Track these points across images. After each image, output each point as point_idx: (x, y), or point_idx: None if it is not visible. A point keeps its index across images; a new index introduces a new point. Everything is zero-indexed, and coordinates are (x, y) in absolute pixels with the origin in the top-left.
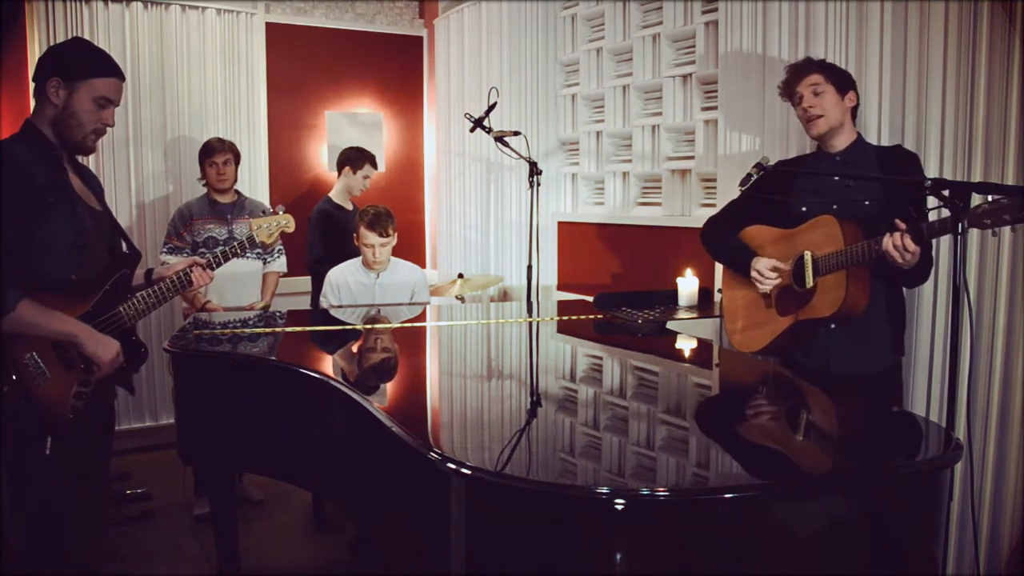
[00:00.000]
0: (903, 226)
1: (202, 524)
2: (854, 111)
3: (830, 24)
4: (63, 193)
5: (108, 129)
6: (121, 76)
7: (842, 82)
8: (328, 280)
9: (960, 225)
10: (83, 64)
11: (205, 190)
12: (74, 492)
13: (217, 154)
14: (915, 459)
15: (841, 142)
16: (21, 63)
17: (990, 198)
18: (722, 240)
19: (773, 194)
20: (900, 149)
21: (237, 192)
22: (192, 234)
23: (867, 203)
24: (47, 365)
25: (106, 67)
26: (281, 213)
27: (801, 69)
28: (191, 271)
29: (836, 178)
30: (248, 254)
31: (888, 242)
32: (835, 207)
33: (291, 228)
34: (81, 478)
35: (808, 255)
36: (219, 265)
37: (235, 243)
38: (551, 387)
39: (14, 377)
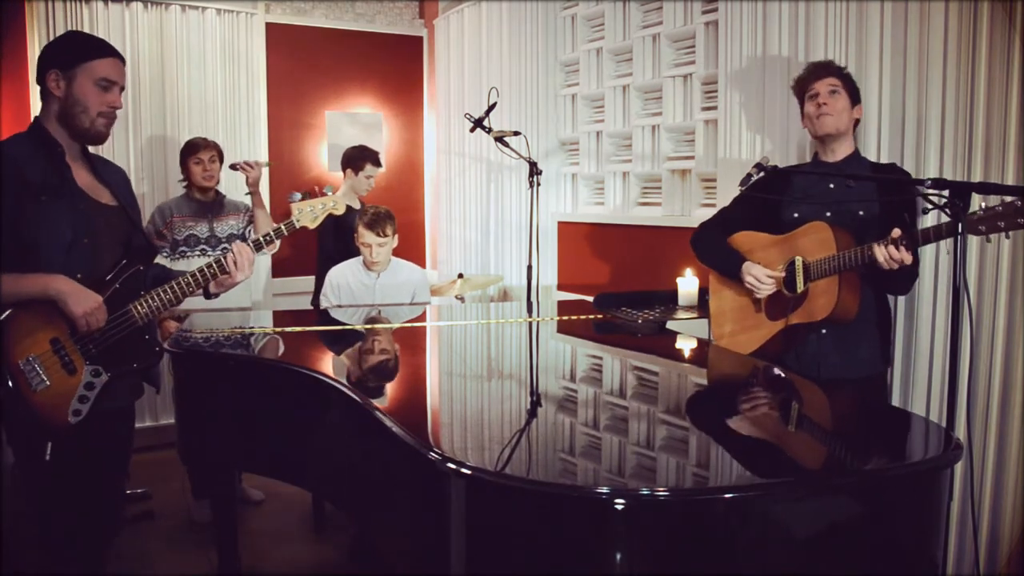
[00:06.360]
0: (897, 234)
1: (202, 524)
2: (855, 125)
3: (830, 24)
4: (61, 189)
5: (117, 115)
6: (119, 56)
7: (855, 93)
8: (328, 280)
9: (960, 225)
10: (77, 50)
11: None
12: (85, 493)
13: (203, 150)
14: (915, 459)
15: (841, 152)
16: (21, 63)
17: (983, 205)
18: (711, 244)
19: (766, 199)
20: (896, 168)
21: (216, 191)
22: (172, 232)
23: (861, 212)
24: (47, 370)
25: (101, 49)
26: (329, 193)
27: (823, 68)
28: (225, 256)
29: (831, 186)
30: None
31: (880, 252)
32: (828, 215)
33: (340, 210)
34: (92, 480)
35: (799, 260)
36: (259, 249)
37: (270, 231)
38: (551, 387)
39: (10, 384)
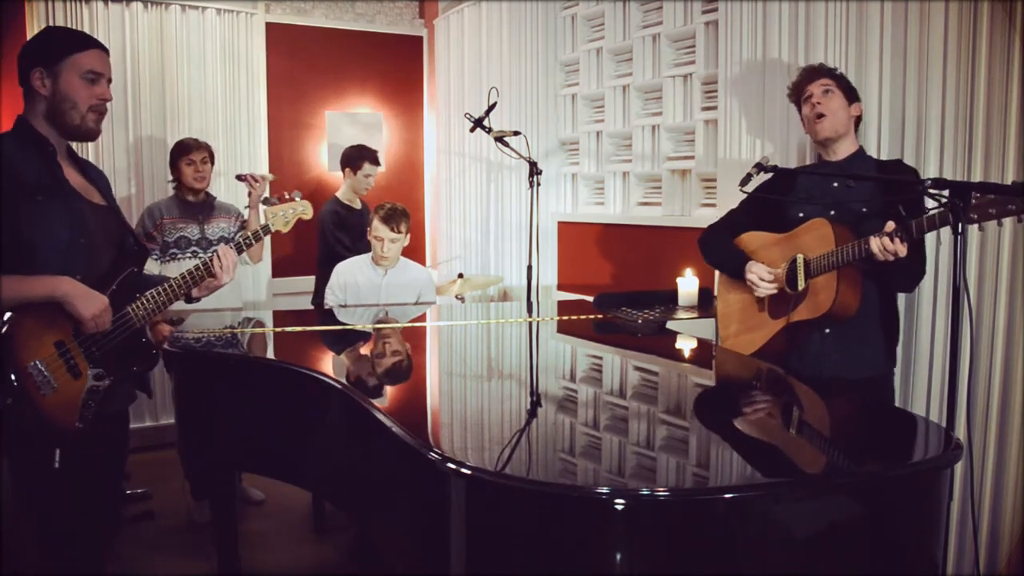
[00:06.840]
0: (891, 227)
1: (202, 524)
2: (857, 122)
3: (830, 24)
4: (56, 189)
5: (108, 111)
6: (102, 47)
7: (850, 91)
8: (335, 276)
9: (960, 225)
10: (60, 45)
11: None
12: (85, 499)
13: (195, 151)
14: (915, 459)
15: (843, 151)
16: None
17: (976, 196)
18: (717, 245)
19: (772, 198)
20: (900, 164)
21: (207, 192)
22: (163, 234)
23: (864, 210)
24: (53, 373)
25: (83, 41)
26: (298, 199)
27: (814, 71)
28: (211, 259)
29: (835, 184)
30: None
31: (875, 243)
32: (832, 213)
33: (309, 215)
34: (92, 485)
35: (800, 258)
36: (240, 252)
37: (248, 233)
38: (551, 387)
39: (15, 383)
